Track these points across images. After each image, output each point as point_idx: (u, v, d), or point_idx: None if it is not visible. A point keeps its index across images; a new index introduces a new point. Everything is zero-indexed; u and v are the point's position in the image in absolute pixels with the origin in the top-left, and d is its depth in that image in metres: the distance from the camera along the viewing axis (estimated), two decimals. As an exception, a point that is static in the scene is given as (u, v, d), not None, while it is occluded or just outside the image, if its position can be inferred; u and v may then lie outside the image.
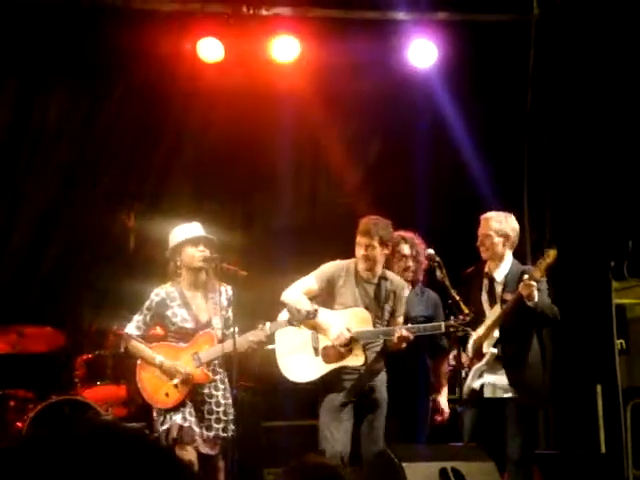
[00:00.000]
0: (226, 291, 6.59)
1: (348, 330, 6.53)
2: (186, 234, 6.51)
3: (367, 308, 6.62)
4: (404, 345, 6.56)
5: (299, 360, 6.53)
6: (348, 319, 6.59)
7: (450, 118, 8.81)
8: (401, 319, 6.74)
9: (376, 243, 6.63)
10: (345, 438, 6.55)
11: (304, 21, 8.76)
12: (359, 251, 6.66)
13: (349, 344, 6.55)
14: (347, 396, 6.61)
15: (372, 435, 6.64)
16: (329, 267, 6.74)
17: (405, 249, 7.01)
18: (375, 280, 6.70)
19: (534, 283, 6.43)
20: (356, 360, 6.59)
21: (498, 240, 6.80)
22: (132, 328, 6.57)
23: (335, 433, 6.53)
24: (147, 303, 6.56)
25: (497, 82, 8.86)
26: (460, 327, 6.50)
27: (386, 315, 6.70)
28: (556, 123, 8.81)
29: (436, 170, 8.87)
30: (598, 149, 8.42)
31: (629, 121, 8.24)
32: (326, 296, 6.65)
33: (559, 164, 8.81)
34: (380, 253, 6.65)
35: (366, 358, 6.59)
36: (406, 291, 6.87)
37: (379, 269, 6.70)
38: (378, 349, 6.71)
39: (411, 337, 6.51)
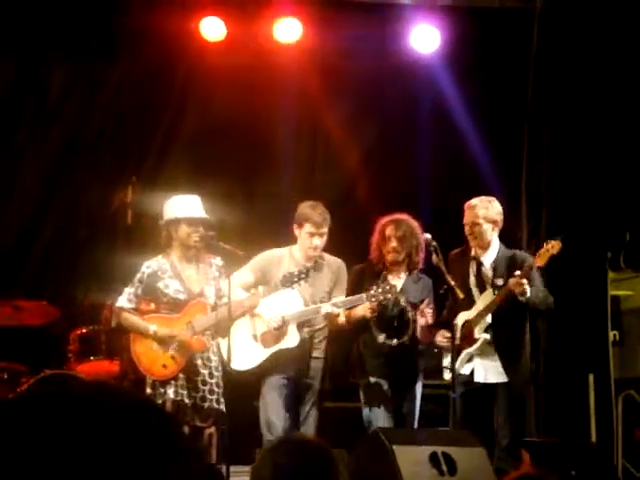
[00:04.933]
0: (216, 262, 6.60)
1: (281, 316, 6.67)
2: (184, 212, 6.49)
3: (304, 291, 6.72)
4: (340, 322, 6.72)
5: (240, 348, 6.57)
6: (280, 302, 6.68)
7: (451, 103, 8.81)
8: (341, 298, 6.79)
9: (326, 230, 6.76)
10: (286, 416, 6.69)
11: (307, 3, 8.75)
12: (309, 240, 6.76)
13: (282, 327, 6.66)
14: (286, 378, 6.74)
15: (306, 422, 6.77)
16: (262, 258, 6.87)
17: (391, 230, 6.99)
18: (310, 262, 6.80)
19: (524, 281, 6.44)
20: (290, 341, 6.70)
21: (487, 227, 6.81)
22: (123, 301, 6.56)
23: (278, 411, 6.67)
24: (138, 275, 6.56)
25: (499, 69, 8.85)
26: (381, 295, 6.58)
27: (321, 294, 6.81)
28: (556, 112, 8.80)
29: (436, 154, 8.87)
30: (597, 139, 8.43)
31: (629, 112, 8.24)
32: (263, 284, 6.74)
33: (558, 152, 8.81)
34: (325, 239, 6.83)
35: (302, 339, 6.71)
36: (343, 270, 6.95)
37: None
38: (321, 333, 6.86)
39: (336, 312, 6.65)
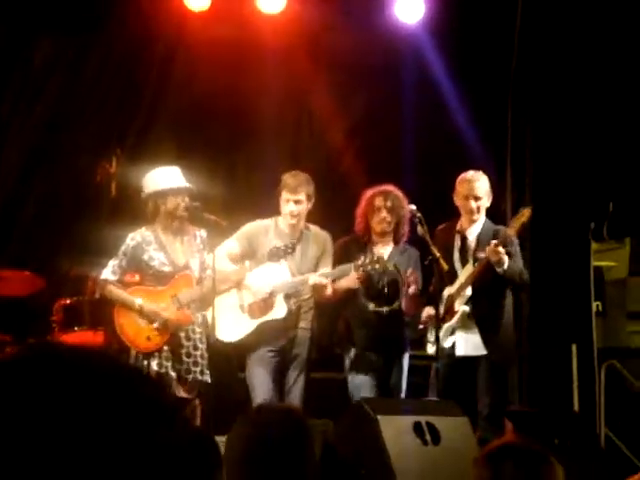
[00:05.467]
0: (200, 235, 6.59)
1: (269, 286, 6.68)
2: (169, 183, 6.48)
3: (291, 262, 6.73)
4: (327, 293, 6.71)
5: (228, 319, 6.58)
6: (267, 274, 6.69)
7: (436, 74, 8.79)
8: (327, 269, 6.81)
9: (304, 198, 6.76)
10: (270, 387, 6.72)
11: (291, -28, 8.71)
12: (286, 207, 6.78)
13: (270, 297, 6.66)
14: (272, 350, 6.76)
15: (292, 391, 6.79)
16: (249, 228, 6.88)
17: (379, 201, 7.00)
18: (297, 234, 6.81)
19: (502, 249, 6.46)
20: (278, 312, 6.72)
21: (480, 202, 6.83)
22: (108, 273, 6.54)
23: (263, 383, 6.70)
24: (123, 248, 6.54)
25: (483, 39, 8.83)
26: (369, 265, 6.61)
27: (308, 266, 6.82)
28: (541, 82, 8.80)
29: (421, 125, 8.85)
30: (581, 110, 8.43)
31: (613, 82, 8.24)
32: (250, 255, 6.75)
33: (542, 123, 8.81)
34: (306, 208, 6.81)
35: (289, 310, 6.73)
36: (329, 242, 6.97)
37: (302, 224, 6.85)
38: (307, 304, 6.86)
39: (325, 282, 6.65)
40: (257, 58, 8.72)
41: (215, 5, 8.61)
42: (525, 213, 6.50)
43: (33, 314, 8.02)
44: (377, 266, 6.67)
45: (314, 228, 6.95)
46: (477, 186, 6.82)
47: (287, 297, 6.77)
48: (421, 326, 7.01)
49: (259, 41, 8.71)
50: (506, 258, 6.50)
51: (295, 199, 6.79)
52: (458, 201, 6.89)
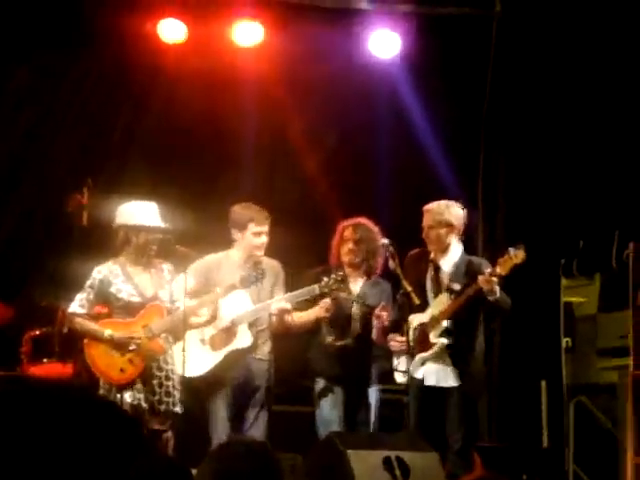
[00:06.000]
0: (167, 268, 6.58)
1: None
2: (144, 219, 6.45)
3: (250, 293, 6.74)
4: (288, 319, 6.78)
5: (189, 354, 6.42)
6: (228, 303, 6.69)
7: (410, 108, 8.85)
8: (280, 295, 6.83)
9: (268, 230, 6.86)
10: (228, 423, 6.72)
11: (267, 6, 8.74)
12: (256, 239, 6.83)
13: (231, 327, 6.69)
14: (234, 381, 6.77)
15: (255, 426, 6.77)
16: (201, 264, 6.86)
17: (349, 233, 7.05)
18: (249, 264, 6.85)
19: (495, 279, 6.45)
20: (243, 341, 6.74)
21: (442, 231, 6.81)
22: (76, 306, 6.50)
23: (223, 418, 6.73)
24: (89, 282, 6.51)
25: (458, 75, 8.89)
26: (333, 285, 6.70)
27: (265, 295, 6.82)
28: (513, 118, 8.87)
29: (395, 159, 8.90)
30: (553, 147, 8.50)
31: (585, 119, 8.31)
32: (206, 290, 6.72)
33: (514, 158, 8.88)
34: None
35: (254, 338, 6.75)
36: (281, 271, 7.00)
37: None
38: (264, 334, 6.88)
39: (289, 307, 6.71)
40: (233, 90, 8.74)
41: (191, 38, 8.62)
42: (519, 255, 6.44)
43: (1, 345, 7.96)
44: (342, 285, 6.72)
45: (265, 258, 6.99)
46: (430, 217, 6.82)
47: (250, 326, 6.78)
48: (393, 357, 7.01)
49: (235, 74, 8.74)
50: (498, 288, 6.50)
51: (265, 231, 6.84)
52: (424, 233, 6.90)
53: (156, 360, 6.44)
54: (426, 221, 6.85)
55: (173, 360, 6.51)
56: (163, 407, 6.38)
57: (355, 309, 7.02)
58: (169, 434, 6.44)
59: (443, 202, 6.91)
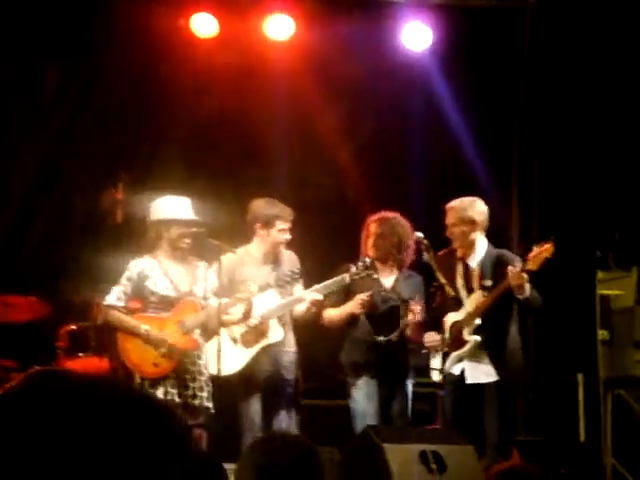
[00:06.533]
0: (202, 265, 6.58)
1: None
2: (175, 213, 6.47)
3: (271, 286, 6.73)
4: (320, 311, 6.82)
5: (223, 354, 6.41)
6: (256, 300, 6.67)
7: (443, 101, 8.82)
8: (320, 284, 6.84)
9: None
10: (264, 417, 6.76)
11: (299, 0, 8.74)
12: (282, 236, 6.89)
13: (262, 324, 6.71)
14: (267, 374, 6.80)
15: (289, 417, 6.82)
16: (224, 263, 6.77)
17: (373, 228, 7.05)
18: (270, 258, 6.91)
19: (526, 275, 6.41)
20: (275, 336, 6.79)
21: (465, 229, 6.78)
22: (112, 299, 6.49)
23: (256, 413, 6.75)
24: (126, 274, 6.51)
25: (491, 67, 8.85)
26: (362, 272, 6.73)
27: (289, 289, 6.84)
28: (548, 111, 8.82)
29: (428, 153, 8.88)
30: (588, 139, 8.44)
31: (620, 113, 8.25)
32: (229, 289, 6.72)
33: (549, 152, 8.82)
34: None
35: (284, 331, 6.82)
36: (297, 262, 7.00)
37: None
38: (288, 326, 6.92)
39: (321, 298, 6.73)
40: (264, 84, 8.74)
41: (223, 32, 8.64)
42: (549, 248, 6.39)
43: (38, 340, 8.00)
44: (370, 271, 6.72)
45: (282, 250, 7.03)
46: (452, 215, 6.81)
47: (280, 320, 6.80)
48: (424, 350, 6.98)
49: (267, 66, 8.75)
50: (528, 286, 6.47)
51: (290, 227, 6.90)
52: (447, 231, 6.88)
53: (189, 355, 6.44)
54: (449, 219, 6.83)
55: (207, 356, 6.52)
56: (197, 402, 6.38)
57: (393, 303, 7.00)
58: (202, 430, 6.43)
59: (466, 199, 6.88)
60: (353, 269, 6.73)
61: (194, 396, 6.38)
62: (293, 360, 6.91)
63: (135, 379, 6.41)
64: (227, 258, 6.78)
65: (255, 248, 6.96)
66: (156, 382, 6.35)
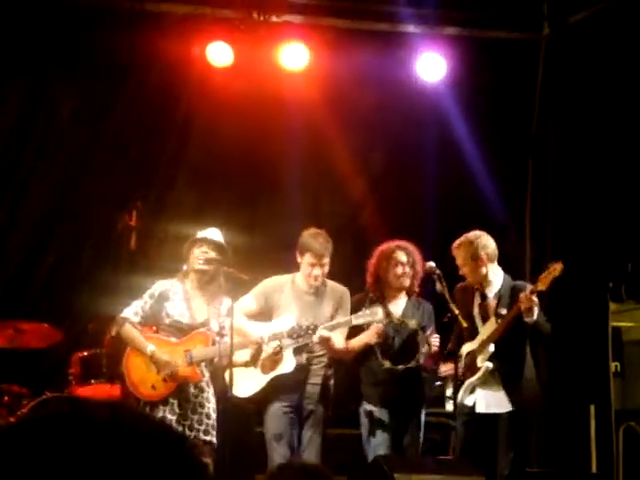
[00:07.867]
0: (227, 302, 6.56)
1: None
2: (203, 233, 6.56)
3: (304, 318, 6.70)
4: (336, 347, 6.72)
5: (240, 375, 6.45)
6: (277, 328, 6.68)
7: (457, 131, 8.84)
8: (329, 323, 6.78)
9: (328, 261, 6.81)
10: (286, 443, 6.69)
11: (314, 29, 8.80)
12: (312, 270, 6.79)
13: (280, 352, 6.67)
14: (287, 405, 6.74)
15: (308, 449, 6.74)
16: (265, 285, 6.88)
17: (401, 256, 7.02)
18: (313, 290, 6.83)
19: (535, 299, 6.41)
20: (286, 367, 6.72)
21: (474, 265, 6.79)
22: (130, 313, 6.51)
23: (279, 439, 6.68)
24: (149, 291, 6.55)
25: (505, 99, 8.88)
26: (369, 317, 6.66)
27: (323, 320, 6.77)
28: (561, 141, 8.83)
29: (441, 184, 8.89)
30: (602, 170, 8.44)
31: (635, 146, 8.25)
32: (266, 312, 6.76)
33: (562, 184, 8.83)
34: (327, 269, 6.85)
35: (298, 364, 6.73)
36: (347, 297, 6.95)
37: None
38: (319, 360, 6.84)
39: (326, 335, 6.63)
40: (279, 112, 8.78)
41: (238, 61, 8.69)
42: (557, 268, 6.41)
43: (50, 366, 8.02)
44: (375, 317, 6.70)
45: (331, 284, 6.95)
46: (457, 255, 6.83)
47: (297, 351, 6.77)
48: (438, 383, 6.96)
49: (281, 96, 8.78)
50: (537, 309, 6.46)
51: (321, 263, 6.80)
52: (460, 271, 6.91)
53: (192, 385, 6.44)
54: (457, 260, 6.85)
55: (211, 388, 6.51)
56: (193, 434, 6.29)
57: (405, 332, 6.99)
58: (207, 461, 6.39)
59: (470, 235, 6.87)
60: (359, 312, 6.72)
61: (191, 427, 6.33)
62: (319, 392, 6.86)
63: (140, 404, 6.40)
64: (268, 282, 6.85)
65: (299, 278, 6.96)
66: (155, 406, 6.34)
